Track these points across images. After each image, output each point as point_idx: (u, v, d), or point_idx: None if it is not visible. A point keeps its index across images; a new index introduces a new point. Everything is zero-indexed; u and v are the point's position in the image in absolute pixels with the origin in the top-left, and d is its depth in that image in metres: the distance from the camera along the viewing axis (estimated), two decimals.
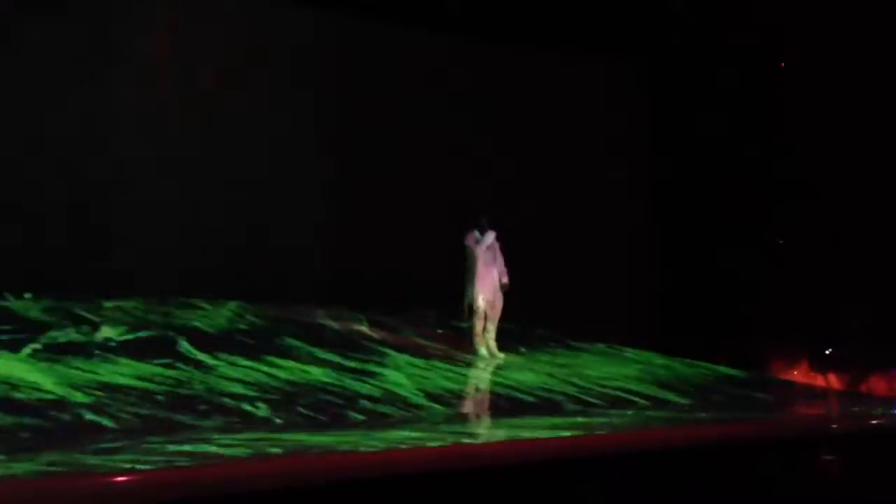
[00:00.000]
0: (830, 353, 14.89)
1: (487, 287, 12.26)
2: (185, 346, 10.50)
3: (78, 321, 11.09)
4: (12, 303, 11.58)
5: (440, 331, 13.23)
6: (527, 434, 8.14)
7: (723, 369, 13.34)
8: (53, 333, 10.46)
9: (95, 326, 10.97)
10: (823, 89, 15.28)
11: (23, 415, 7.80)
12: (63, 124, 12.58)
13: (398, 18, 14.58)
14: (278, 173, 14.04)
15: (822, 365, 14.85)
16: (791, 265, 15.48)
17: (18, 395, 8.35)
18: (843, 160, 15.08)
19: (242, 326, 12.02)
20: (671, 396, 11.35)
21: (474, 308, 12.21)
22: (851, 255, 14.81)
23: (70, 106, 12.62)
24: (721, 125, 15.94)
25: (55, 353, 9.71)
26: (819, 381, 14.45)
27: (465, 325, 12.50)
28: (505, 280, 12.28)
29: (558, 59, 15.91)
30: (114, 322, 11.24)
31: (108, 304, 11.97)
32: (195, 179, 13.41)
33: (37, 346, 9.88)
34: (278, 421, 8.44)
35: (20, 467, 6.07)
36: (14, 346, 9.74)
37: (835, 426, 9.82)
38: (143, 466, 6.11)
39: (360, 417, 8.82)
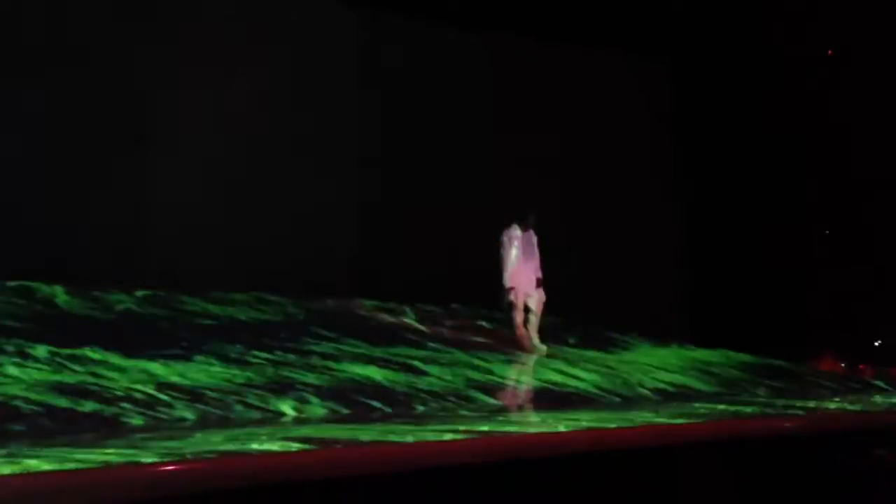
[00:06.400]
0: (880, 344, 14.77)
1: (524, 280, 12.16)
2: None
3: None
4: None
5: (482, 324, 13.16)
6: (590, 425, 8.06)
7: (765, 361, 13.23)
8: None
9: None
10: (860, 81, 15.16)
11: None
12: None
13: (444, 20, 14.65)
14: (317, 162, 14.01)
15: (866, 359, 14.71)
16: (836, 257, 15.34)
17: None
18: (881, 148, 14.98)
19: (278, 318, 12.00)
20: (717, 388, 11.26)
21: (511, 301, 12.12)
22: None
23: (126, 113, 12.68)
24: (757, 114, 15.81)
25: None
26: (864, 374, 14.30)
27: (504, 316, 12.41)
28: (539, 275, 12.21)
29: (593, 57, 15.88)
30: None
31: None
32: (235, 172, 13.40)
33: None
34: (328, 413, 8.38)
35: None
36: None
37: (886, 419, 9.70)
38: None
39: (410, 409, 8.75)
